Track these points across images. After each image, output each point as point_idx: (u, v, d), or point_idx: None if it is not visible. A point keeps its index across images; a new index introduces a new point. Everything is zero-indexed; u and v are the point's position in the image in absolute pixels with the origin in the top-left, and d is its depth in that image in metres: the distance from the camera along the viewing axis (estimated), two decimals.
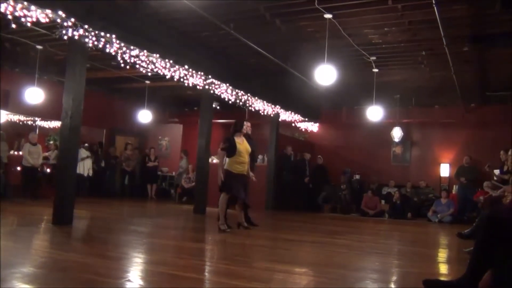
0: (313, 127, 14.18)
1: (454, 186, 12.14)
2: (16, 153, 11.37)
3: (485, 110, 12.03)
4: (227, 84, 9.23)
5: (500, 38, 7.23)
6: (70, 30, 5.93)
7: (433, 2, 5.91)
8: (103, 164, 12.74)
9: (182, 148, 14.54)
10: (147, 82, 11.32)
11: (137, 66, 7.41)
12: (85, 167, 11.46)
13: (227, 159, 6.67)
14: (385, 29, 7.45)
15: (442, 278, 4.09)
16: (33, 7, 5.50)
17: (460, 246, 6.05)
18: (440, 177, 12.73)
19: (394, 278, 4.35)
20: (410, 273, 4.46)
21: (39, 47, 8.91)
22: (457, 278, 3.37)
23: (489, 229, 3.23)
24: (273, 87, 11.37)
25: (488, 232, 3.21)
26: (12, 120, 11.76)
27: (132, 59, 7.12)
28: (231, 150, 6.59)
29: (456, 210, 10.78)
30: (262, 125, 14.11)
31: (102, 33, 6.30)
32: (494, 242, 3.12)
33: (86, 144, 11.56)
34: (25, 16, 5.53)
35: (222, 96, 9.42)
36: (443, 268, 5.17)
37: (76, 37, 6.02)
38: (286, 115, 12.24)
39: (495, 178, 9.60)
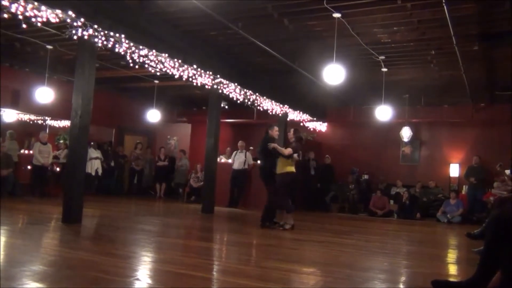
0: (321, 126, 14.15)
1: (464, 186, 12.05)
2: (26, 152, 11.48)
3: (494, 109, 11.91)
4: (235, 84, 9.23)
5: (509, 36, 7.15)
6: (79, 30, 5.97)
7: (443, 0, 5.86)
8: (112, 163, 12.81)
9: (191, 148, 14.60)
10: (156, 81, 11.36)
11: (146, 65, 7.44)
12: (93, 166, 11.54)
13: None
14: (394, 28, 7.41)
15: (451, 279, 4.06)
16: (43, 7, 5.54)
17: (470, 246, 6.00)
18: (449, 177, 12.63)
19: (402, 278, 4.33)
20: (418, 274, 4.44)
21: (49, 46, 8.98)
22: (467, 278, 3.35)
23: (498, 230, 3.20)
24: (281, 86, 11.36)
25: (497, 232, 3.19)
26: (23, 119, 11.88)
27: (141, 59, 7.14)
28: None
29: (465, 210, 10.69)
30: (270, 125, 14.11)
31: (111, 33, 6.33)
32: (503, 242, 3.10)
33: (92, 143, 11.58)
34: (35, 16, 5.57)
35: (231, 95, 9.43)
36: (452, 269, 5.14)
37: (86, 37, 6.05)
38: (294, 115, 12.22)
39: (507, 179, 9.56)
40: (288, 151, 7.17)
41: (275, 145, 7.26)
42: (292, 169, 7.19)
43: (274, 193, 7.27)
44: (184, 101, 14.82)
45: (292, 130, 7.62)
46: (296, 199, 7.66)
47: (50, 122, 12.44)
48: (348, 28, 7.15)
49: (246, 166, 11.30)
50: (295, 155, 7.22)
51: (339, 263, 4.78)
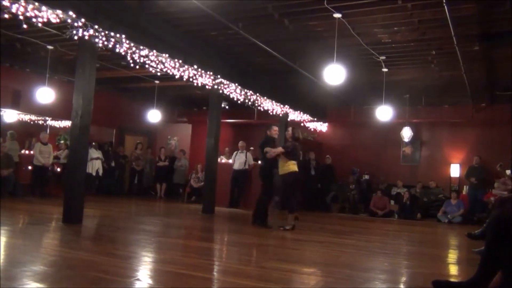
0: (322, 126, 14.14)
1: (464, 186, 12.04)
2: (27, 152, 11.48)
3: (495, 109, 11.91)
4: (236, 84, 9.23)
5: (510, 36, 7.15)
6: (80, 30, 5.97)
7: (443, 0, 5.86)
8: (113, 164, 12.81)
9: (191, 148, 14.60)
10: (156, 81, 11.36)
11: (147, 66, 7.44)
12: (93, 166, 11.54)
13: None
14: (395, 28, 7.41)
15: (452, 279, 4.06)
16: (44, 8, 5.54)
17: (470, 246, 6.00)
18: (450, 177, 12.63)
19: (403, 278, 4.33)
20: (419, 274, 4.44)
21: (49, 47, 8.98)
22: (467, 279, 3.35)
23: (498, 230, 3.20)
24: (281, 86, 11.36)
25: (497, 232, 3.19)
26: (23, 119, 11.88)
27: (142, 59, 7.14)
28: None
29: (466, 210, 10.68)
30: (270, 125, 14.13)
31: (112, 33, 6.33)
32: (504, 242, 3.10)
33: (93, 143, 11.58)
34: (36, 16, 5.58)
35: (231, 95, 9.43)
36: (453, 269, 5.13)
37: (86, 37, 6.06)
38: (295, 115, 12.22)
39: (508, 179, 9.54)
40: (278, 150, 7.24)
41: (267, 149, 7.37)
42: (295, 168, 7.19)
43: (265, 192, 7.48)
44: (184, 101, 14.83)
45: (290, 129, 7.64)
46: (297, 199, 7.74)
47: (50, 122, 12.44)
48: (348, 28, 7.15)
49: (247, 167, 11.30)
50: (270, 153, 7.28)
51: (339, 263, 4.78)
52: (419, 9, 6.58)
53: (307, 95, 12.13)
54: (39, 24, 5.72)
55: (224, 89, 9.08)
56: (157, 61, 7.35)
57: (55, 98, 9.84)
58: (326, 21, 7.08)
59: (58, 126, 12.59)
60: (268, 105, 10.82)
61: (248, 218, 7.79)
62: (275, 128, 7.86)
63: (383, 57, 8.78)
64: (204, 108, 13.95)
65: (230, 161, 11.63)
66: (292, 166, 7.17)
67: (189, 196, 12.52)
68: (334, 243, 6.32)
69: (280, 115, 11.61)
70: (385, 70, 9.49)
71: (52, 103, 10.02)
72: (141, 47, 6.92)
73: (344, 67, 6.94)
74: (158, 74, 8.20)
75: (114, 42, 6.45)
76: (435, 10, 6.44)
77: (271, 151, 7.28)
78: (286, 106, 11.45)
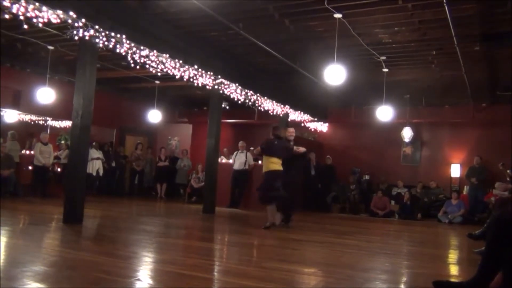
0: (322, 127, 14.15)
1: (465, 186, 12.04)
2: (27, 152, 11.48)
3: (495, 109, 11.91)
4: (236, 84, 9.24)
5: (510, 37, 7.14)
6: (81, 30, 5.98)
7: (444, 1, 5.86)
8: (113, 164, 12.80)
9: (192, 148, 14.61)
10: (157, 82, 11.37)
11: (147, 66, 7.44)
12: (94, 167, 11.53)
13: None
14: (395, 28, 7.41)
15: (452, 280, 4.06)
16: (44, 8, 5.55)
17: (471, 247, 6.00)
18: (450, 177, 12.63)
19: (403, 279, 4.33)
20: (419, 274, 4.44)
21: (50, 47, 8.99)
22: (468, 279, 3.34)
23: (499, 230, 3.20)
24: (282, 87, 11.36)
25: (498, 233, 3.19)
26: (24, 119, 11.88)
27: (142, 59, 7.14)
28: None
29: (467, 211, 10.67)
30: (271, 125, 14.15)
31: (113, 34, 6.33)
32: (504, 243, 3.10)
33: (94, 143, 11.56)
34: (36, 16, 5.58)
35: (231, 96, 9.43)
36: (454, 269, 5.13)
37: (87, 38, 6.06)
38: (295, 115, 12.22)
39: (508, 179, 9.54)
40: (257, 149, 7.34)
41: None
42: (275, 167, 7.10)
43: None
44: (185, 101, 14.83)
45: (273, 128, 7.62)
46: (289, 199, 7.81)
47: (51, 122, 12.44)
48: (349, 28, 7.15)
49: (247, 167, 11.30)
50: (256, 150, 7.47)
51: (340, 263, 4.78)
52: (420, 9, 6.58)
53: (308, 96, 12.13)
54: (40, 25, 5.72)
55: (224, 89, 9.09)
56: (157, 61, 7.35)
57: (56, 98, 9.84)
58: (326, 21, 7.08)
59: (58, 126, 12.58)
60: (268, 105, 10.82)
61: (248, 218, 7.80)
62: (284, 128, 7.82)
63: (384, 57, 8.78)
64: (205, 108, 13.95)
65: (231, 161, 11.64)
66: (272, 164, 7.09)
67: (190, 196, 12.52)
68: (335, 243, 6.32)
69: (281, 115, 11.62)
70: (385, 70, 9.49)
71: (53, 103, 10.02)
72: (142, 47, 6.92)
73: (344, 67, 6.93)
74: (159, 74, 8.20)
75: (114, 42, 6.45)
76: (435, 10, 6.43)
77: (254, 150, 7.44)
78: (287, 106, 11.45)
